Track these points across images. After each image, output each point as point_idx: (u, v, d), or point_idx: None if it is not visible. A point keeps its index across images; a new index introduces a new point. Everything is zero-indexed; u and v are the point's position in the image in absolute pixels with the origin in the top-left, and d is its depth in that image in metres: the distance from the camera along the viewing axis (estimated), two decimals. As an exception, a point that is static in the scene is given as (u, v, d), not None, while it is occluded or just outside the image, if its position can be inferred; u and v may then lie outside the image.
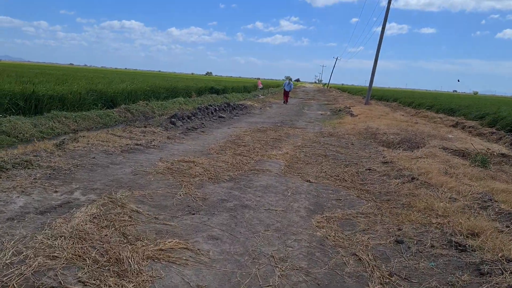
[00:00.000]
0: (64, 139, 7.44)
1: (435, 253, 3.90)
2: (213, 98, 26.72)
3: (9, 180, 5.09)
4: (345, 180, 6.63)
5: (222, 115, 15.33)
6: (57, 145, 6.82)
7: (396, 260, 3.72)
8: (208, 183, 5.90)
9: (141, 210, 4.45)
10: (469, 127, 19.18)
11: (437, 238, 4.25)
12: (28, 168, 5.64)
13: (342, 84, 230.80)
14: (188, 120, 12.65)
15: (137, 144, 8.20)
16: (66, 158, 6.40)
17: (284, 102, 28.41)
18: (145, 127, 10.36)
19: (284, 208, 5.04)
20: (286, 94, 28.97)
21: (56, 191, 4.83)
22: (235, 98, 31.12)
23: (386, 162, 7.90)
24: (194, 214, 4.56)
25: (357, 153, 9.27)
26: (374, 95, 44.29)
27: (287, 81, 30.47)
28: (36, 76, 20.59)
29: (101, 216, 4.13)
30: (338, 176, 6.90)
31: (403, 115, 23.12)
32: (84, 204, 4.46)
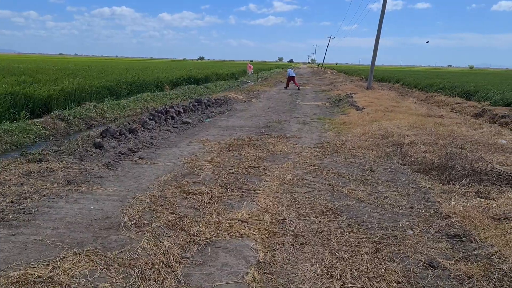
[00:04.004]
0: None
1: None
2: (190, 90, 22.78)
3: None
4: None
5: (188, 119, 11.44)
6: None
7: None
8: None
9: None
10: (502, 116, 15.28)
11: None
12: None
13: (336, 64, 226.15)
14: (129, 135, 8.76)
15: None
16: None
17: (286, 88, 27.81)
18: (41, 161, 6.48)
19: None
20: (289, 80, 28.08)
21: None
22: (219, 87, 27.18)
23: (456, 235, 4.09)
24: None
25: (386, 197, 5.46)
26: (374, 76, 40.33)
27: (290, 69, 30.20)
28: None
29: None
30: (370, 294, 3.13)
31: (415, 102, 19.32)
32: None
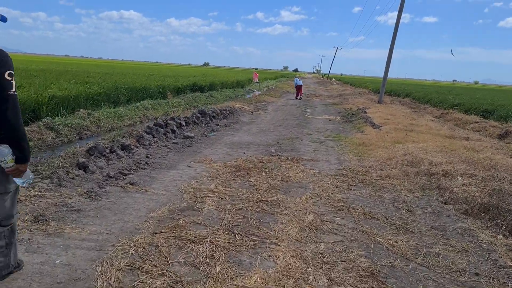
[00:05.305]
0: None
1: None
2: (194, 98, 21.70)
3: None
4: None
5: (190, 133, 10.28)
6: None
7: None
8: None
9: None
10: (530, 139, 14.10)
11: None
12: None
13: (341, 74, 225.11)
14: (122, 153, 7.60)
15: None
16: None
17: (296, 98, 27.13)
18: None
19: None
20: (298, 89, 27.33)
21: None
22: (224, 96, 26.11)
23: None
24: None
25: (438, 254, 4.25)
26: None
27: (297, 78, 29.72)
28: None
29: None
30: None
31: (433, 120, 18.15)
32: None
